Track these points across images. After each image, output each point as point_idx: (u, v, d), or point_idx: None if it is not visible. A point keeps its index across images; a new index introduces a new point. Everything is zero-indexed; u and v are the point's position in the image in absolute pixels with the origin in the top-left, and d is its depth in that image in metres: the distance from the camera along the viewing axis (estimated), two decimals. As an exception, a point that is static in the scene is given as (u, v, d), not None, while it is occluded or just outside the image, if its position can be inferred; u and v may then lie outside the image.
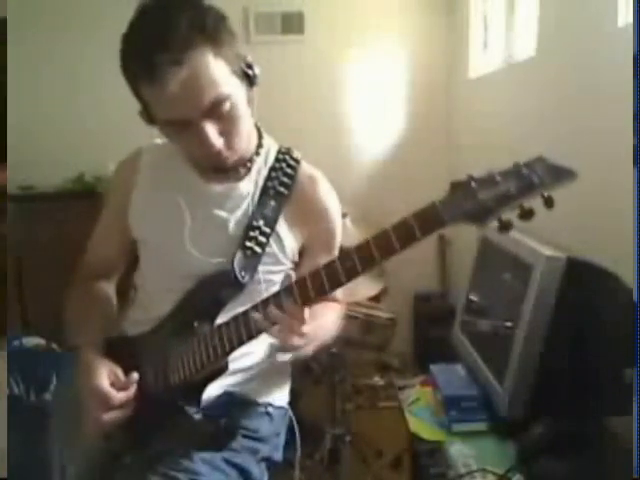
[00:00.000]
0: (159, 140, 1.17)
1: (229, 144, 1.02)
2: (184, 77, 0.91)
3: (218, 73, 0.95)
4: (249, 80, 1.03)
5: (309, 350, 1.00)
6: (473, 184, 0.78)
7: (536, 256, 1.26)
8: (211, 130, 0.98)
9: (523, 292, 1.27)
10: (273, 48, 3.10)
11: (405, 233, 0.81)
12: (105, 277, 1.24)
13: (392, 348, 2.40)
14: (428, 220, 0.80)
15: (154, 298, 1.15)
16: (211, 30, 0.94)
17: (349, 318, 2.02)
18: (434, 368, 1.58)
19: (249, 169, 1.14)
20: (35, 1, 3.03)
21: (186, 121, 0.97)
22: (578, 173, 0.77)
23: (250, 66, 1.03)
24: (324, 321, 1.08)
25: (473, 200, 0.78)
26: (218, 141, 1.00)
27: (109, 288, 1.23)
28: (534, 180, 0.76)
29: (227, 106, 0.98)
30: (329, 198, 1.18)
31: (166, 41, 0.91)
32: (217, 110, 0.97)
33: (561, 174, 0.77)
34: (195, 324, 1.04)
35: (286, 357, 1.11)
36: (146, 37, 0.93)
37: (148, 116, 1.01)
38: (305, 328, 0.92)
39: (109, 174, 1.45)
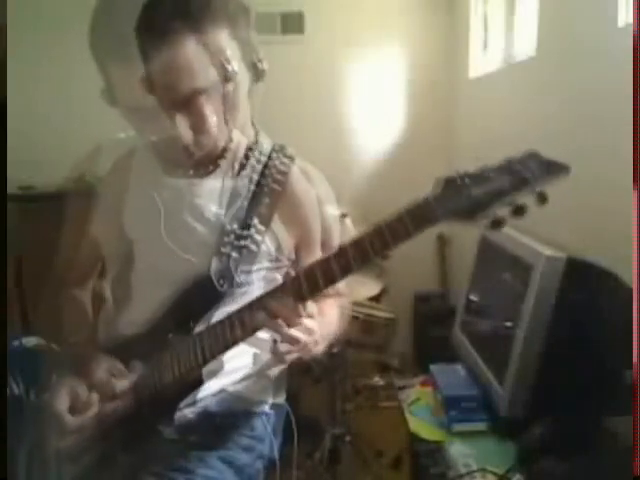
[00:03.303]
0: (122, 135, 1.12)
1: (197, 139, 0.97)
2: (160, 63, 0.86)
3: (198, 64, 0.90)
4: (256, 73, 1.00)
5: (320, 349, 0.95)
6: (466, 180, 0.77)
7: (536, 256, 1.26)
8: (181, 123, 0.93)
9: (523, 292, 1.27)
10: (273, 48, 3.09)
11: (398, 229, 0.79)
12: (86, 282, 1.22)
13: (392, 348, 2.40)
14: (422, 216, 0.78)
15: (144, 299, 1.12)
16: (195, 17, 0.90)
17: (349, 318, 2.02)
18: (434, 368, 1.58)
19: (218, 165, 1.08)
20: (34, 2, 3.03)
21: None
22: (571, 168, 0.75)
23: (260, 60, 1.00)
24: (329, 319, 1.05)
25: (465, 196, 0.76)
26: (187, 135, 0.95)
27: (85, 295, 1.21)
28: (526, 176, 0.74)
29: (202, 100, 0.93)
30: (325, 193, 1.15)
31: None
32: (191, 103, 0.92)
33: (554, 169, 0.75)
34: (170, 335, 1.00)
35: (280, 366, 1.10)
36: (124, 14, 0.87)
37: (111, 97, 0.95)
38: (310, 323, 0.88)
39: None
